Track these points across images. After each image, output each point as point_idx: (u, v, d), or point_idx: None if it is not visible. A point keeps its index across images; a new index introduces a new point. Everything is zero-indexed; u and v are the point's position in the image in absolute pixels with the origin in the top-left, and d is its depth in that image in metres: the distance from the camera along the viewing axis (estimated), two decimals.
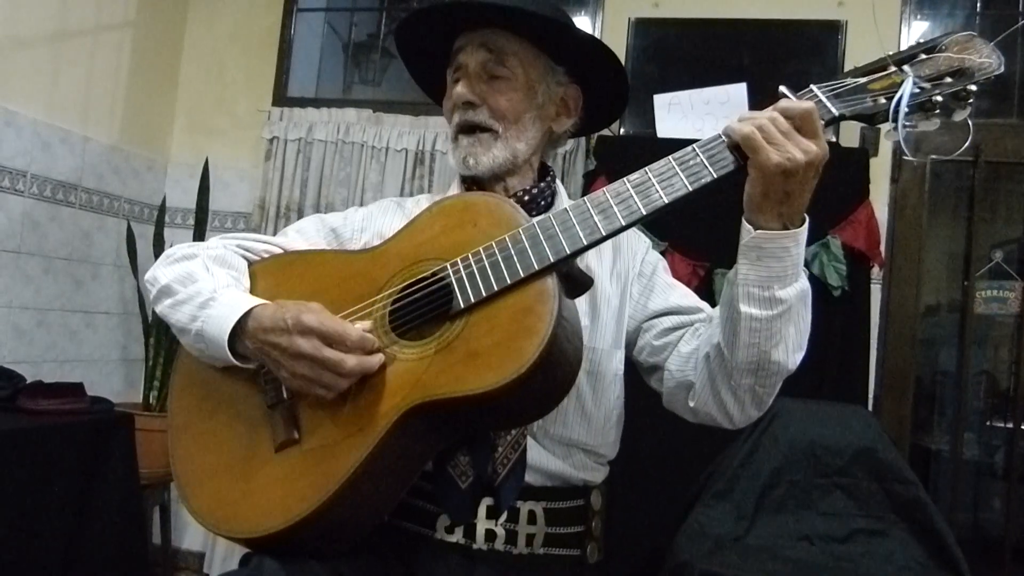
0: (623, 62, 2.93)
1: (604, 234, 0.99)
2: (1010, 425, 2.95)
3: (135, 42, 3.24)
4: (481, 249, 1.02)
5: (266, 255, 1.23)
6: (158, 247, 3.07)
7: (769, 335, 1.00)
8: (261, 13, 3.48)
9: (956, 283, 3.02)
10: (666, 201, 0.98)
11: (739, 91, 2.61)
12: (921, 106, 0.97)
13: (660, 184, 0.98)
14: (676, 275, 2.38)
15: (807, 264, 2.51)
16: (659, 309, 1.21)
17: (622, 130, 2.93)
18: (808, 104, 0.95)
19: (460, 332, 0.99)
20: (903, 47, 3.04)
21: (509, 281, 0.98)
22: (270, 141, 3.26)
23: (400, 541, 1.13)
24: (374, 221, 1.29)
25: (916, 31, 2.92)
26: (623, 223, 0.99)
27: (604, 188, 1.02)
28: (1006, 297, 2.87)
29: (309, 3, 3.53)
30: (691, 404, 1.11)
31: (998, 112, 2.84)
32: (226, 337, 1.05)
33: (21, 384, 2.40)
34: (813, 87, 1.00)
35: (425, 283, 1.05)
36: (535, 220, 1.02)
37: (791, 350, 1.02)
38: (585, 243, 0.99)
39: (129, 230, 3.09)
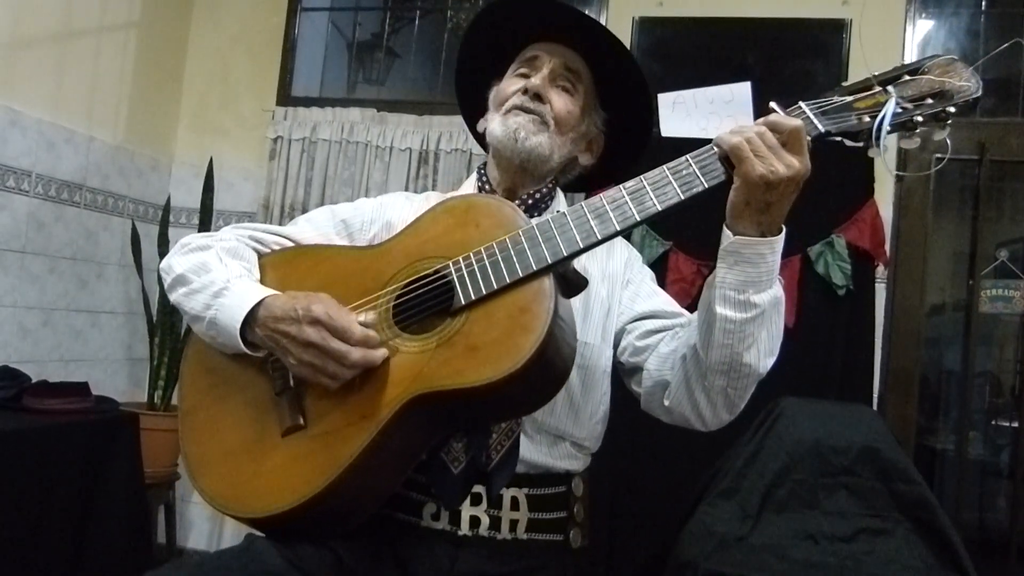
0: None
1: (600, 238, 1.04)
2: (1015, 424, 2.95)
3: (140, 42, 3.25)
4: (482, 249, 1.07)
5: (277, 247, 1.28)
6: (163, 247, 3.08)
7: (742, 337, 1.04)
8: (265, 13, 3.48)
9: (961, 282, 3.01)
10: (659, 208, 1.03)
11: (743, 90, 2.60)
12: (903, 125, 1.01)
13: (654, 192, 1.03)
14: (680, 274, 2.40)
15: (812, 263, 2.52)
16: (644, 312, 1.27)
17: None
18: (797, 122, 0.99)
19: (460, 327, 1.04)
20: (907, 46, 3.03)
21: (508, 280, 1.03)
22: (274, 141, 3.27)
23: (388, 528, 1.17)
24: (384, 213, 1.33)
25: (921, 30, 2.91)
26: (617, 228, 1.04)
27: (601, 194, 1.07)
28: (1011, 296, 2.87)
29: (313, 3, 3.53)
30: (666, 403, 1.16)
31: (1003, 111, 2.83)
32: (238, 325, 1.09)
33: (26, 384, 2.41)
34: (802, 104, 1.04)
35: (428, 280, 1.09)
36: (534, 223, 1.07)
37: (762, 354, 1.07)
38: (581, 246, 1.04)
39: (134, 230, 3.09)
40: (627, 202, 1.04)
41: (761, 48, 2.88)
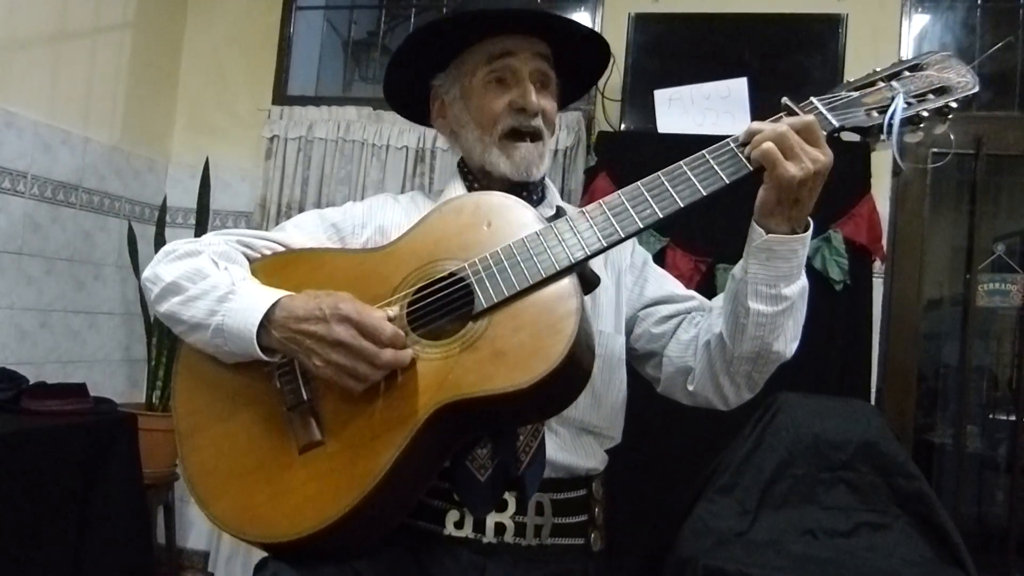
0: (623, 57, 2.95)
1: (623, 236, 1.03)
2: (1013, 418, 2.95)
3: (135, 42, 3.24)
4: (499, 250, 1.04)
5: (267, 251, 1.22)
6: (159, 247, 3.05)
7: (772, 328, 1.07)
8: (261, 12, 3.47)
9: (958, 276, 3.02)
10: (681, 205, 1.03)
11: (740, 86, 2.60)
12: (910, 120, 1.04)
13: (674, 188, 1.03)
14: (678, 271, 2.40)
15: (809, 259, 2.52)
16: (656, 297, 1.27)
17: (623, 126, 2.93)
18: (808, 117, 1.01)
19: (484, 332, 1.01)
20: (903, 41, 3.03)
21: (531, 281, 1.01)
22: (270, 140, 3.26)
23: (411, 539, 1.14)
24: (374, 216, 1.29)
25: (917, 24, 2.91)
26: (640, 225, 1.03)
27: (619, 191, 1.06)
28: (1008, 290, 2.87)
29: (308, 1, 3.52)
30: (690, 388, 1.19)
31: (1000, 105, 2.83)
32: (254, 328, 1.03)
33: (24, 385, 2.41)
34: (814, 99, 1.06)
35: (443, 283, 1.06)
36: (552, 222, 1.05)
37: (789, 340, 1.10)
38: (604, 244, 1.03)
39: (130, 230, 3.09)
40: (647, 198, 1.04)
41: (757, 44, 2.87)
